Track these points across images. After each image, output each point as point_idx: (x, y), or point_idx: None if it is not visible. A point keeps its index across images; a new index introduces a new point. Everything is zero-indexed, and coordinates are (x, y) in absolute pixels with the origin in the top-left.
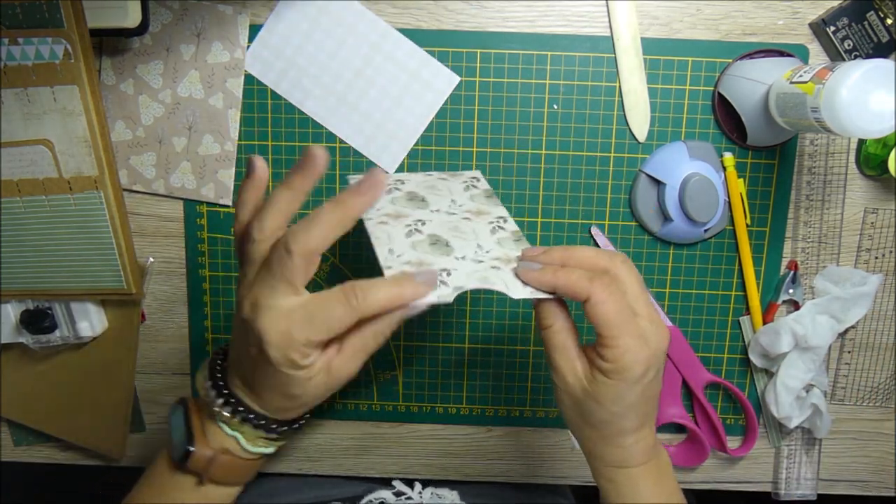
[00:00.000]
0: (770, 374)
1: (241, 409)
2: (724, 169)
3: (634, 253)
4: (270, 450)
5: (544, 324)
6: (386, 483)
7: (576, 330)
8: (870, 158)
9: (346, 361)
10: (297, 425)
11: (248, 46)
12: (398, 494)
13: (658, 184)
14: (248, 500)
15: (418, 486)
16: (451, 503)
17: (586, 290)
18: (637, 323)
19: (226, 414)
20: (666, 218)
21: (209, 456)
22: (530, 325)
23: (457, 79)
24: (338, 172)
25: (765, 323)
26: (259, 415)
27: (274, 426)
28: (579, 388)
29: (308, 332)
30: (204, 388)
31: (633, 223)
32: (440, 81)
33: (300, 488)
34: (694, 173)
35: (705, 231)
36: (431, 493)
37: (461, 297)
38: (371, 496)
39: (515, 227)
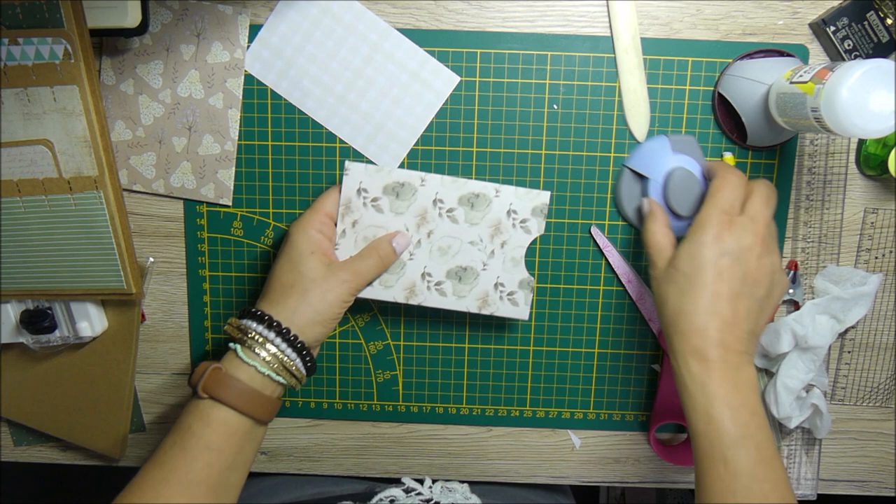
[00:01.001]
0: (770, 375)
1: (259, 311)
2: None
3: (634, 253)
4: (264, 370)
5: (646, 208)
6: (391, 480)
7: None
8: (870, 158)
9: (345, 262)
10: (306, 352)
11: (248, 46)
12: (408, 491)
13: (641, 178)
14: (249, 498)
15: (428, 480)
16: (463, 497)
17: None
18: (729, 207)
19: (236, 325)
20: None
21: (205, 366)
22: (530, 325)
23: (457, 79)
24: (338, 173)
25: None
26: (272, 318)
27: (284, 331)
28: (668, 256)
29: (309, 215)
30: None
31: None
32: (440, 81)
33: (302, 486)
34: (677, 167)
35: (689, 226)
36: (441, 488)
37: None
38: (382, 494)
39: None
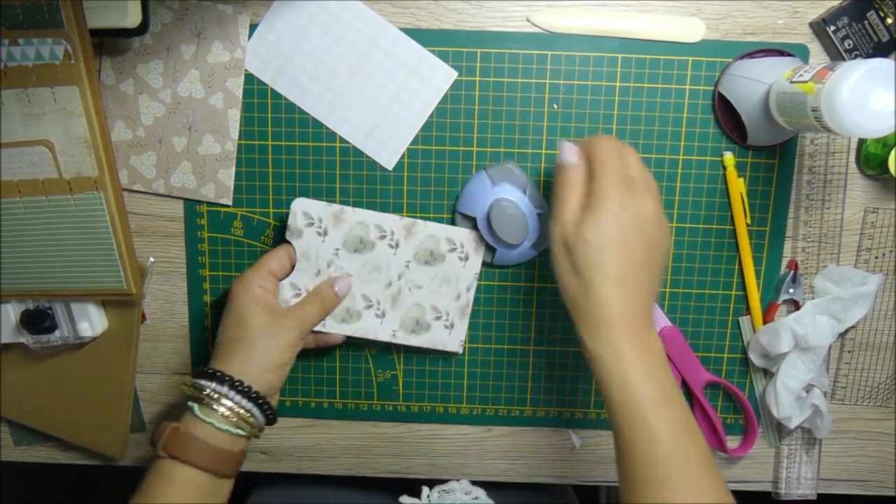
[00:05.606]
0: (770, 375)
1: (211, 370)
2: (725, 168)
3: None
4: (222, 425)
5: (568, 160)
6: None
7: (585, 183)
8: (870, 158)
9: (288, 309)
10: (262, 401)
11: None
12: None
13: (473, 218)
14: None
15: (425, 490)
16: (463, 492)
17: (594, 144)
18: (623, 174)
19: (190, 384)
20: (490, 248)
21: (165, 426)
22: (531, 325)
23: (455, 73)
24: (338, 172)
25: (765, 323)
26: (223, 373)
27: (237, 383)
28: (572, 223)
29: (251, 272)
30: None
31: None
32: (438, 77)
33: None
34: (496, 200)
35: (532, 247)
36: (439, 493)
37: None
38: None
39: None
